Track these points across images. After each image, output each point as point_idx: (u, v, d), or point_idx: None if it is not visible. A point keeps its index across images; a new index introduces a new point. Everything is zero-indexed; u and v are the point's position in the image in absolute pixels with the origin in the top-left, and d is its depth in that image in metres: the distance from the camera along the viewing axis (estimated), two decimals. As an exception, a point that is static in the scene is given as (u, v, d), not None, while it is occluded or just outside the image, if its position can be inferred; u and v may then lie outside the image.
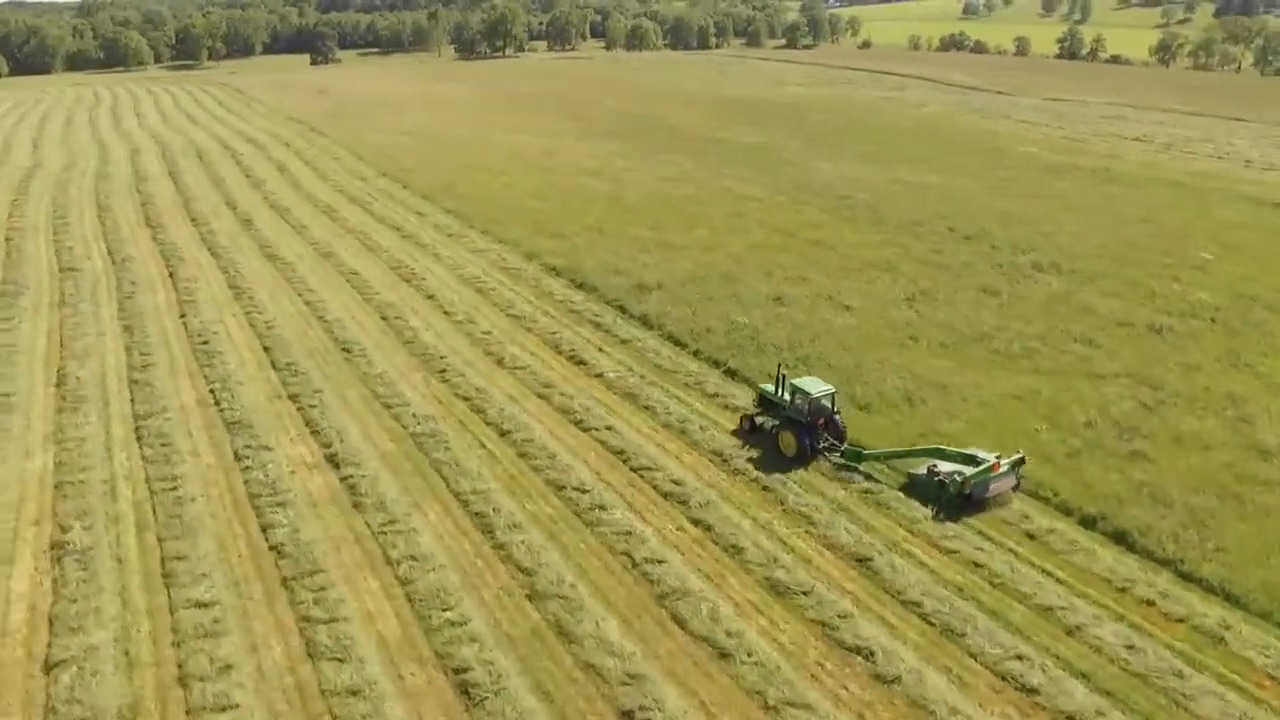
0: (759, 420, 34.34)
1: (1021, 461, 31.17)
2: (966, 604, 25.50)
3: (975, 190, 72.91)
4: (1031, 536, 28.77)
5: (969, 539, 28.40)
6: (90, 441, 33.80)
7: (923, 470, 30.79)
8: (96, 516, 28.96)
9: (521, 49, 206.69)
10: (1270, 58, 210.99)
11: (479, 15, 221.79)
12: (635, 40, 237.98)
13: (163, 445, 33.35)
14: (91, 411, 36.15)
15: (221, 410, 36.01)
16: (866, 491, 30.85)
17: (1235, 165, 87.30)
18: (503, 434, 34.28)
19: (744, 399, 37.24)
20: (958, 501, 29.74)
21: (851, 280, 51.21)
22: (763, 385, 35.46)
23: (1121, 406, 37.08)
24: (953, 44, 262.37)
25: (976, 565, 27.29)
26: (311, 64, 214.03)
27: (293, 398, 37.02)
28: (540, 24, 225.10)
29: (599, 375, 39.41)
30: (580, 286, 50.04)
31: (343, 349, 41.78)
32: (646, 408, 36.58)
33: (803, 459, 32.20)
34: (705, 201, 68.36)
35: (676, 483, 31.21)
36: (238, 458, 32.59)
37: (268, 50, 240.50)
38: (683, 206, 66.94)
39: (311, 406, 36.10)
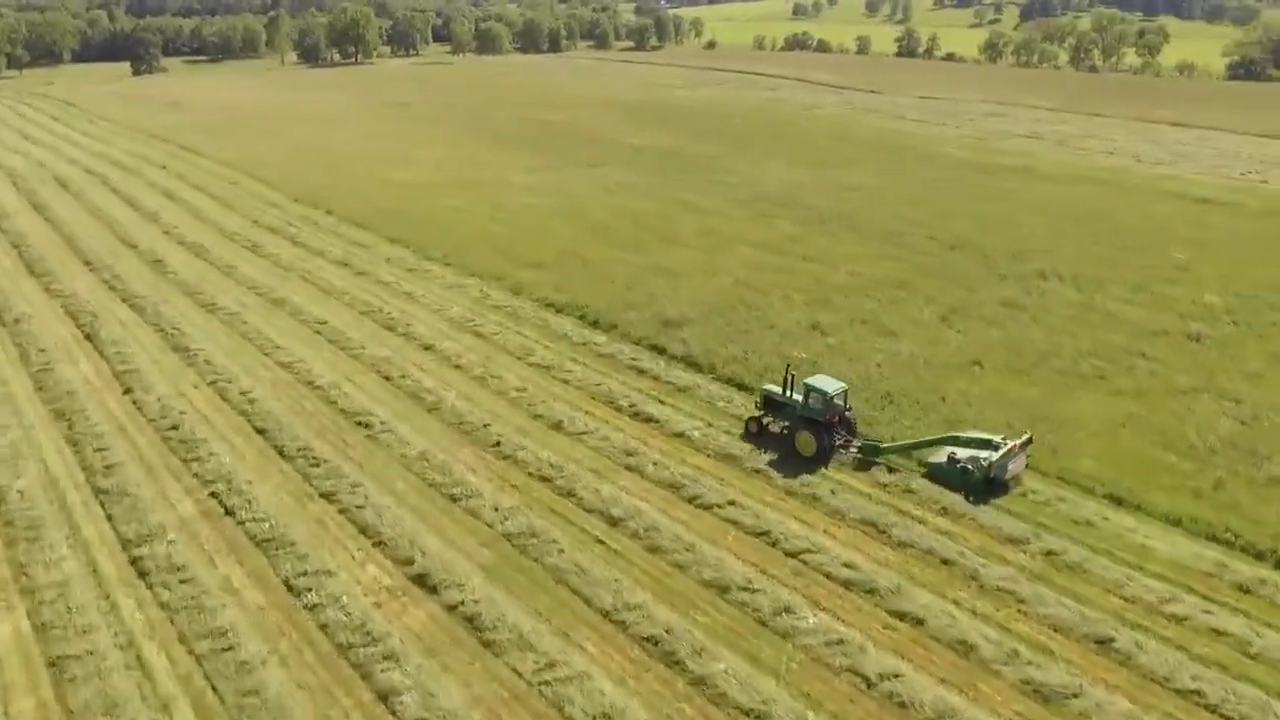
0: (766, 422, 33.38)
1: (1029, 442, 31.35)
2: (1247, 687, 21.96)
3: (925, 195, 71.12)
4: (1245, 590, 25.73)
5: (1199, 619, 24.74)
6: (75, 586, 25.37)
7: (942, 458, 30.79)
8: (129, 712, 20.95)
9: (369, 55, 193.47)
10: (1083, 55, 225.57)
11: (323, 19, 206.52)
12: (487, 43, 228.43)
13: (182, 583, 25.31)
14: (59, 541, 27.39)
15: (241, 523, 28.05)
16: (1050, 554, 26.96)
17: (1129, 161, 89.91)
18: (613, 522, 28.19)
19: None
20: (983, 486, 29.83)
21: (875, 301, 47.42)
22: (766, 386, 34.35)
23: (1223, 425, 35.01)
24: (796, 44, 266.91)
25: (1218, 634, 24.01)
26: (135, 73, 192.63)
27: (328, 497, 29.44)
28: (382, 29, 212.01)
29: (680, 435, 33.72)
30: (597, 325, 43.88)
31: (358, 424, 34.15)
32: (757, 471, 31.31)
33: (822, 458, 31.57)
34: (669, 218, 63.17)
35: (849, 566, 26.26)
36: (293, 590, 25.06)
37: (78, 58, 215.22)
38: (650, 224, 61.51)
39: (359, 508, 28.70)
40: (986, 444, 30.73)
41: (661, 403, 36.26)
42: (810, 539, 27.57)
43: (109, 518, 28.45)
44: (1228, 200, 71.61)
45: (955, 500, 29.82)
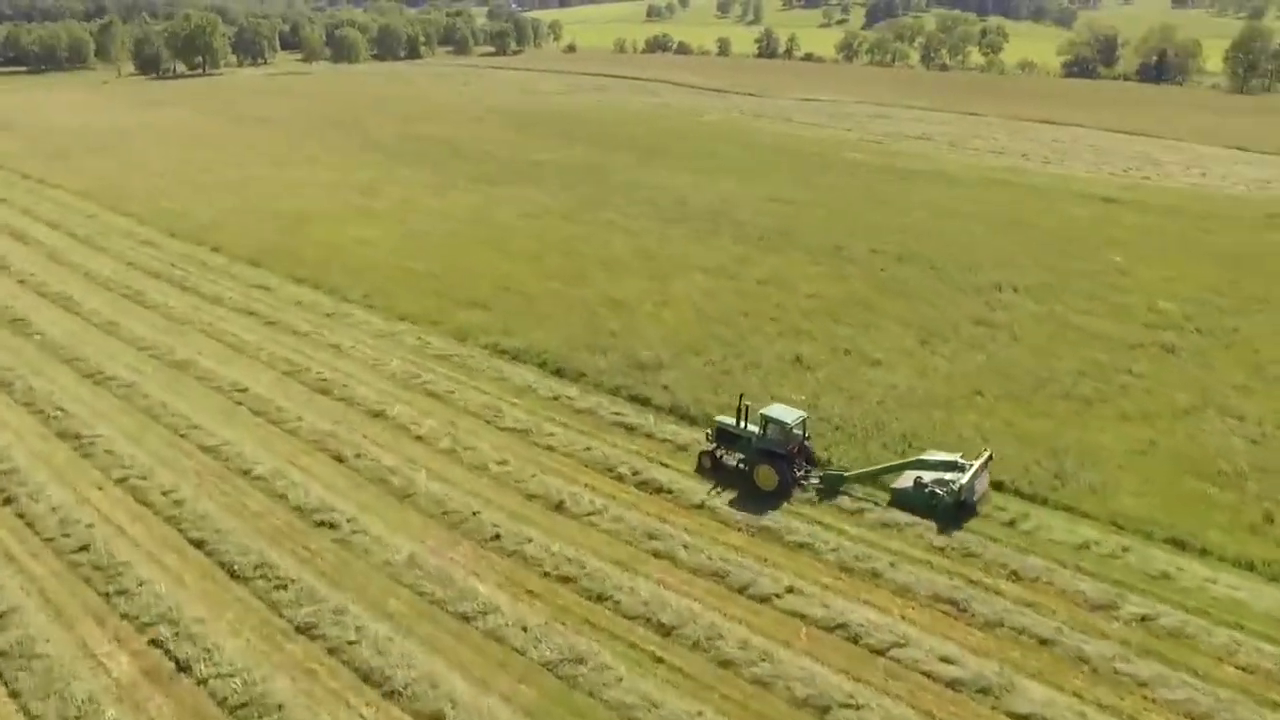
0: (719, 455, 31.10)
1: (990, 459, 30.10)
2: None
3: (850, 205, 69.17)
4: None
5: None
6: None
7: (907, 483, 29.30)
8: None
9: (217, 65, 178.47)
10: (933, 55, 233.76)
11: (160, 27, 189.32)
12: (342, 51, 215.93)
13: (141, 783, 19.19)
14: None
15: (203, 683, 21.92)
16: (1144, 620, 24.22)
17: (1019, 160, 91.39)
18: (665, 631, 23.68)
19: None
20: (953, 510, 28.42)
21: (847, 326, 44.45)
22: (719, 418, 31.85)
23: (1237, 446, 33.79)
24: (657, 46, 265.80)
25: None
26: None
27: (307, 632, 23.59)
28: (227, 37, 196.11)
29: (700, 506, 29.42)
30: (561, 374, 38.90)
31: (320, 524, 28.15)
32: (802, 546, 27.37)
33: (783, 492, 29.46)
34: (601, 241, 58.51)
35: (947, 660, 22.81)
36: (297, 776, 19.38)
37: None
38: (582, 249, 56.69)
39: (351, 644, 23.06)
40: (951, 465, 29.42)
41: (665, 466, 31.82)
42: (892, 628, 23.89)
43: (14, 695, 21.73)
44: (1131, 199, 72.94)
45: (1021, 561, 26.87)
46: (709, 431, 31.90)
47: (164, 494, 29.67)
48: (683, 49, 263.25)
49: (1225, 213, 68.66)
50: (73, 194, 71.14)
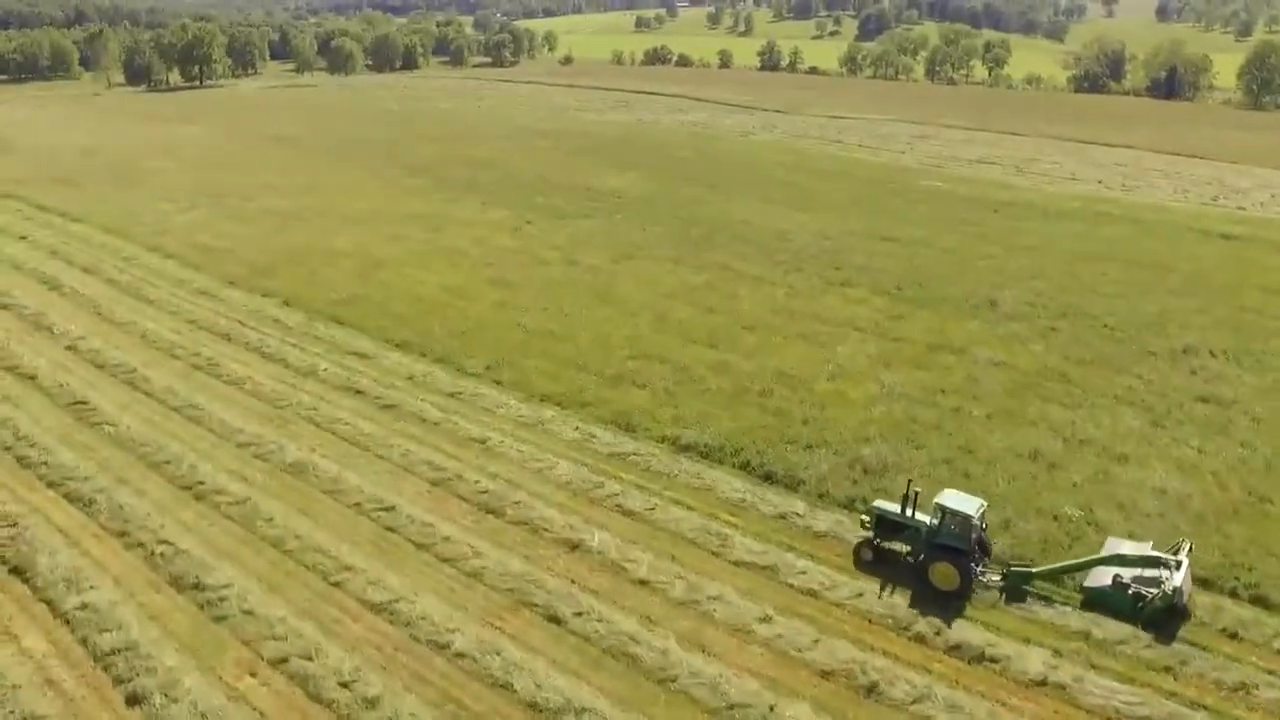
0: (878, 544, 27.18)
1: (1190, 549, 26.27)
2: None
3: (963, 243, 62.41)
4: None
5: None
6: None
7: (1104, 580, 25.43)
8: None
9: (215, 77, 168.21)
10: (938, 68, 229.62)
11: (147, 36, 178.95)
12: (338, 62, 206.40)
13: None
14: None
15: None
16: None
17: (1099, 189, 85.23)
18: None
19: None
20: (1162, 615, 24.35)
21: (1059, 405, 37.66)
22: (879, 503, 27.89)
23: None
24: (656, 58, 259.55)
25: None
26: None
27: None
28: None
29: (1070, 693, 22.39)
30: (771, 479, 31.64)
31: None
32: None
33: (963, 592, 25.43)
34: (729, 294, 50.65)
35: None
36: None
37: None
38: (708, 301, 49.41)
39: None
40: (1151, 561, 25.66)
41: (971, 620, 24.80)
42: None
43: None
44: (1249, 235, 67.11)
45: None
46: (864, 519, 27.89)
47: (343, 684, 22.10)
48: (683, 61, 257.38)
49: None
50: (100, 229, 62.61)
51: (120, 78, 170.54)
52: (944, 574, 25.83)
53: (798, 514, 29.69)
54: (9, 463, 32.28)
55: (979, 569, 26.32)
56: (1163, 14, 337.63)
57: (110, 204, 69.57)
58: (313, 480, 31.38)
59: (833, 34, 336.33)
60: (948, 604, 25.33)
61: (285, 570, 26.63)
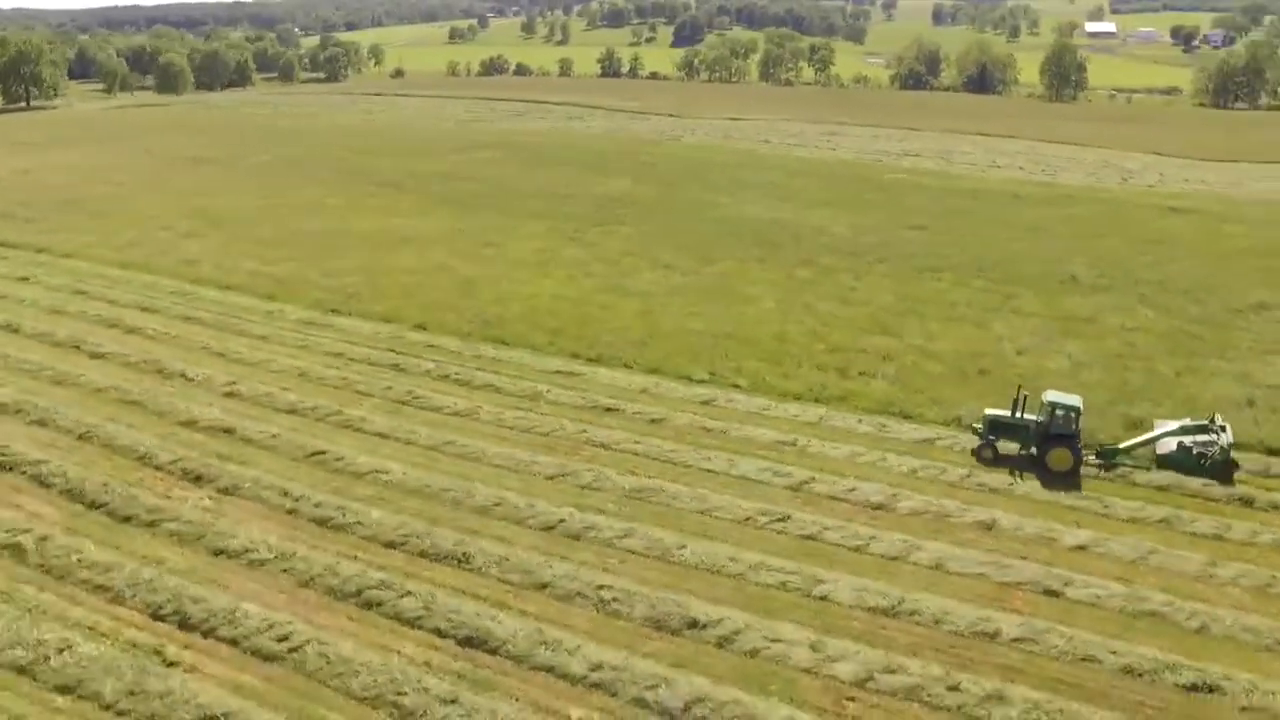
0: (1001, 448, 32.51)
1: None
2: None
3: (978, 230, 66.36)
4: None
5: None
6: None
7: (1170, 448, 31.75)
8: None
9: (47, 95, 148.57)
10: (772, 70, 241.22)
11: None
12: (169, 80, 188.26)
13: None
14: None
15: None
16: None
17: (1023, 174, 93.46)
18: None
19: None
20: (1221, 468, 31.06)
21: (1225, 360, 41.89)
22: (990, 410, 33.05)
23: None
24: (494, 68, 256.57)
25: None
26: None
27: None
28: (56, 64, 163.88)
29: None
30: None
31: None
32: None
33: (1075, 471, 31.24)
34: (841, 285, 51.96)
35: None
36: None
37: None
38: (832, 294, 50.36)
39: None
40: (1201, 429, 32.08)
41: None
42: None
43: None
44: (1189, 208, 75.91)
45: None
46: (976, 426, 32.86)
47: None
48: (521, 70, 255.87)
49: None
50: (102, 263, 54.74)
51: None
52: (1059, 457, 31.16)
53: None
54: (308, 525, 28.22)
55: (1083, 450, 31.71)
56: (938, 18, 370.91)
57: (89, 234, 61.01)
58: (675, 505, 29.59)
59: (649, 40, 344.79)
60: (1067, 479, 30.97)
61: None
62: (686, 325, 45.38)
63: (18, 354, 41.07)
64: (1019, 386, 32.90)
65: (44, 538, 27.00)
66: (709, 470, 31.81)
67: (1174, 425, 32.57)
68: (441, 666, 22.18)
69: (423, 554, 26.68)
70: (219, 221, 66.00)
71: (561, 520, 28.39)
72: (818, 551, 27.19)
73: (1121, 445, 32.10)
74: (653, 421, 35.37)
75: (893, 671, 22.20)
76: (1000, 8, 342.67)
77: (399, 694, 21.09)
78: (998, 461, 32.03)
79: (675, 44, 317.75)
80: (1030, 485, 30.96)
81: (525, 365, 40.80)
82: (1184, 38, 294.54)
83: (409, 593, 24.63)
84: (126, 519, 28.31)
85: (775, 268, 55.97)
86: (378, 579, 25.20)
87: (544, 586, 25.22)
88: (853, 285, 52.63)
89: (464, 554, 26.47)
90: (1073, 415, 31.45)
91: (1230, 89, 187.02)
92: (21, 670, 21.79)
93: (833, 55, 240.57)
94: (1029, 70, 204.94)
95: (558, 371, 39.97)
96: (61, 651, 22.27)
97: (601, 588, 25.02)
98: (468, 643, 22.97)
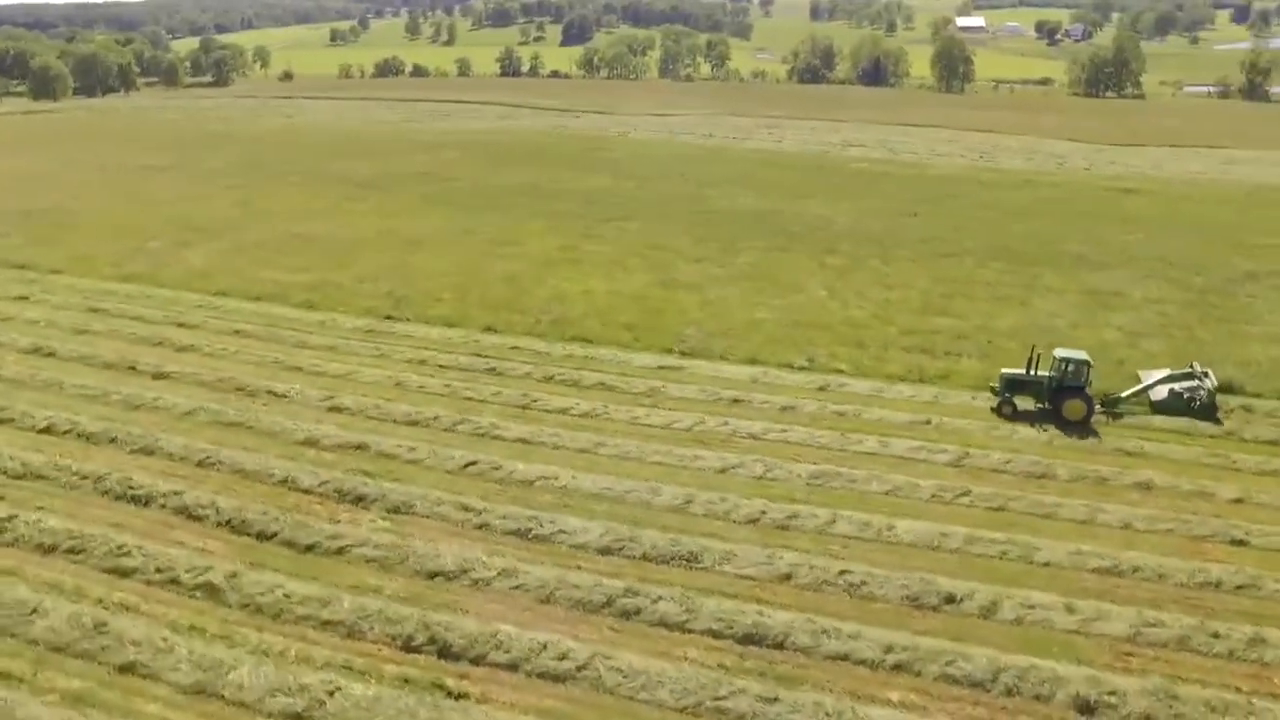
0: (1019, 404, 34.82)
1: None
2: None
3: (968, 217, 69.24)
4: None
5: None
6: None
7: (1162, 395, 34.93)
8: None
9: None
10: (671, 66, 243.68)
11: None
12: (45, 85, 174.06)
13: None
14: None
15: None
16: None
17: (967, 161, 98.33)
18: None
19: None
20: (1207, 410, 34.35)
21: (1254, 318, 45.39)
22: (1007, 370, 35.36)
23: None
24: (389, 69, 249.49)
25: None
26: None
27: None
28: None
29: None
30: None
31: None
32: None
33: (1087, 420, 33.88)
34: (879, 273, 53.11)
35: None
36: None
37: None
38: (884, 282, 51.52)
39: None
40: (1186, 376, 35.41)
41: None
42: None
43: None
44: (1143, 189, 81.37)
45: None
46: (993, 385, 35.19)
47: None
48: (419, 71, 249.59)
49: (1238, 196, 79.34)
50: (104, 278, 50.42)
51: None
52: (1074, 408, 33.70)
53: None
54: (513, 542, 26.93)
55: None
56: (816, 14, 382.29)
57: (69, 247, 56.03)
58: (856, 488, 29.78)
59: (537, 39, 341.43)
60: (1082, 427, 33.74)
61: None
62: (754, 315, 45.52)
63: (71, 380, 37.32)
64: (1033, 346, 35.46)
65: (232, 574, 24.77)
66: (866, 453, 32.12)
67: (1161, 374, 35.61)
68: (737, 667, 21.66)
69: (645, 558, 25.85)
70: (205, 230, 61.82)
71: (763, 512, 28.09)
72: (1014, 521, 27.86)
73: (1123, 394, 35.01)
74: (784, 410, 35.39)
75: (1153, 626, 23.10)
76: (875, 4, 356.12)
77: (718, 698, 20.51)
78: (1016, 416, 34.37)
79: (565, 42, 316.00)
80: (1162, 447, 32.68)
81: (622, 363, 40.01)
82: (1047, 32, 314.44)
83: (660, 598, 23.88)
84: (309, 548, 26.23)
85: (804, 256, 56.80)
86: (619, 587, 24.29)
87: (786, 578, 24.96)
88: (885, 271, 54.05)
89: (690, 554, 25.87)
90: (1083, 368, 33.85)
91: (1100, 79, 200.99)
92: (300, 718, 20.04)
93: (729, 50, 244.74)
94: (920, 64, 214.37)
95: (660, 367, 39.37)
96: (333, 694, 20.51)
97: (843, 573, 24.97)
98: (748, 640, 22.50)
